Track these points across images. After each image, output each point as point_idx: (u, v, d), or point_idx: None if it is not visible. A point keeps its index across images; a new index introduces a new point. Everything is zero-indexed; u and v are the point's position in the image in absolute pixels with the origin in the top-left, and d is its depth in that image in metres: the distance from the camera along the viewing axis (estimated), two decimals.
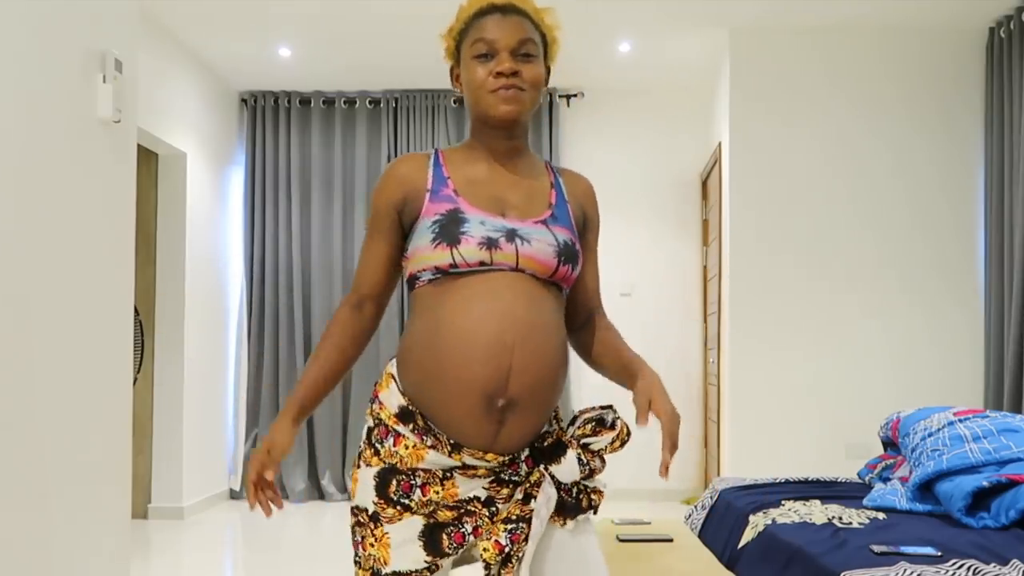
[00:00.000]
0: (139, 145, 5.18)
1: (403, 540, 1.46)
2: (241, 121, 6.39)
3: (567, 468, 1.48)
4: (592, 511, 1.52)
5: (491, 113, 1.53)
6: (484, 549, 1.46)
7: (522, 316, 1.47)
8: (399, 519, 1.46)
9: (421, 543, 1.46)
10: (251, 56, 5.62)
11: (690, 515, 3.52)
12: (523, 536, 1.46)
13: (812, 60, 5.06)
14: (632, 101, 6.21)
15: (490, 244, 1.48)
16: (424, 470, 1.46)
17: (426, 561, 1.46)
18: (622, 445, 1.51)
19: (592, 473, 1.51)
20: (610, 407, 1.54)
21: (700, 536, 3.26)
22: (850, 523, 2.67)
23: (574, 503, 1.49)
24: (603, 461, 1.52)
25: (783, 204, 5.04)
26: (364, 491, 1.49)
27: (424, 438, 1.46)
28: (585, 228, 1.64)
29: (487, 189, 1.56)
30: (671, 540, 3.07)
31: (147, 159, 5.37)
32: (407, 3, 4.76)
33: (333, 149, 6.34)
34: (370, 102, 6.34)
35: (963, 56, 5.01)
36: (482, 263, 1.48)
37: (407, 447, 1.47)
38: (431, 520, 1.46)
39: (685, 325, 6.17)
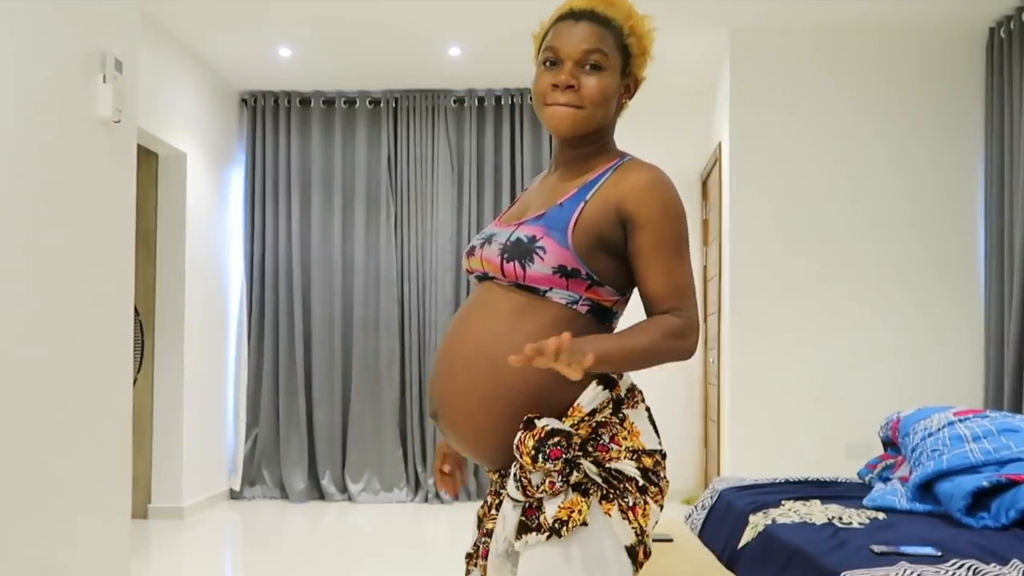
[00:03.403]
0: (139, 145, 5.18)
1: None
2: (241, 121, 6.39)
3: (511, 484, 1.36)
4: (543, 532, 1.31)
5: (546, 126, 1.49)
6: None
7: (462, 324, 1.45)
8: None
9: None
10: (251, 56, 5.62)
11: (690, 515, 3.51)
12: (487, 550, 1.43)
13: (812, 60, 5.06)
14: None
15: (470, 252, 1.49)
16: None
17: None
18: (537, 450, 1.31)
19: (527, 488, 1.33)
20: (536, 416, 1.36)
21: (700, 536, 3.26)
22: (850, 523, 2.67)
23: (526, 522, 1.34)
24: (549, 476, 1.32)
25: (783, 204, 5.03)
26: None
27: None
28: (627, 227, 1.42)
29: (527, 199, 1.55)
30: (671, 540, 3.06)
31: (147, 159, 5.37)
32: (407, 3, 4.76)
33: (333, 149, 6.33)
34: (370, 102, 6.33)
35: (963, 56, 5.00)
36: (467, 270, 1.51)
37: None
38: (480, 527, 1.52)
39: None
